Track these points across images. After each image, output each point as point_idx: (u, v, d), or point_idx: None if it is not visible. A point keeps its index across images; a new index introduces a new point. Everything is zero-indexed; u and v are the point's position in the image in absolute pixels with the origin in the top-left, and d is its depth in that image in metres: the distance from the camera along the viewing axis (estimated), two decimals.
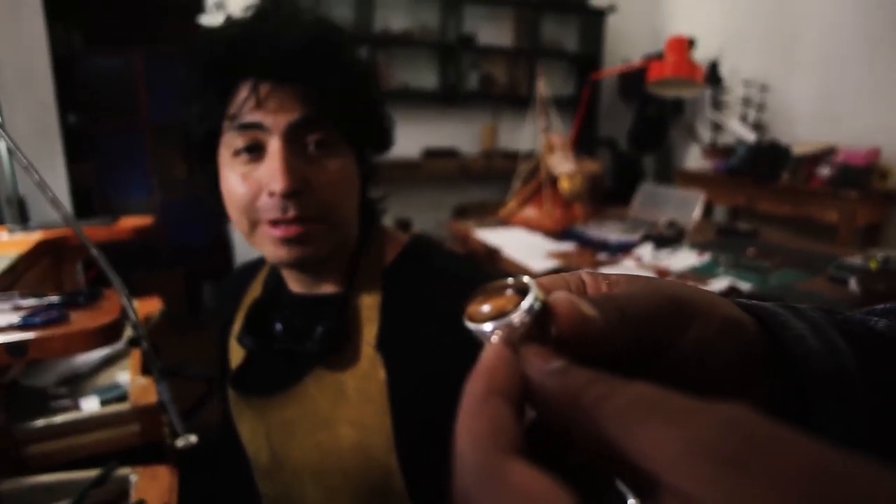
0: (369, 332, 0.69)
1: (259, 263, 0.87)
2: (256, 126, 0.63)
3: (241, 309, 0.83)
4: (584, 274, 0.25)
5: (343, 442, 0.67)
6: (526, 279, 0.21)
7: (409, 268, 0.74)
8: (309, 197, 0.64)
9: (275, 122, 0.63)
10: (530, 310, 0.20)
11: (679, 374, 0.22)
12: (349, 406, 0.67)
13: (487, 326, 0.20)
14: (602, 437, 0.16)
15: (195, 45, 0.66)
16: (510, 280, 0.22)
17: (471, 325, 0.21)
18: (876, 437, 0.24)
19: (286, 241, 0.64)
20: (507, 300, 0.21)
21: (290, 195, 0.62)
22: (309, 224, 0.65)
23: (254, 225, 0.66)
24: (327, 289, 0.74)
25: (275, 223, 0.64)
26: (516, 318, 0.20)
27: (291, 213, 0.63)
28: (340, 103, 0.65)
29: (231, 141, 0.65)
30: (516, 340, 0.20)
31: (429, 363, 0.66)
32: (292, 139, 0.63)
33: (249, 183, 0.64)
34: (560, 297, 0.20)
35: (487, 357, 0.19)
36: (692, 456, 0.14)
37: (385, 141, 0.76)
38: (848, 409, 0.24)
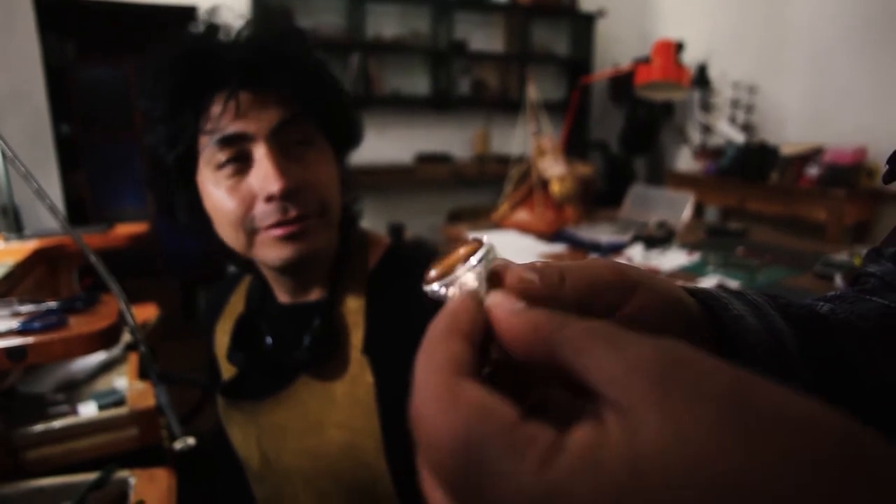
0: (356, 336, 0.70)
1: (236, 277, 0.86)
2: (239, 137, 0.62)
3: (220, 320, 0.83)
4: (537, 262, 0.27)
5: (332, 446, 0.68)
6: (475, 237, 0.23)
7: (392, 270, 0.74)
8: (306, 194, 0.64)
9: (258, 128, 0.62)
10: (479, 261, 0.22)
11: None
12: (338, 410, 0.68)
13: (436, 286, 0.22)
14: (557, 362, 0.18)
15: (157, 66, 0.64)
16: (461, 245, 0.24)
17: (427, 288, 0.23)
18: None
19: (289, 238, 0.64)
20: (456, 258, 0.22)
21: (287, 195, 0.62)
22: (309, 220, 0.65)
23: (251, 235, 0.65)
24: (314, 296, 0.74)
25: (276, 226, 0.64)
26: (461, 272, 0.22)
27: (293, 212, 0.63)
28: (315, 98, 0.66)
29: (212, 157, 0.63)
30: (482, 286, 0.22)
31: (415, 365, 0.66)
32: (276, 141, 0.63)
33: (239, 195, 0.63)
34: (500, 263, 0.22)
35: (452, 303, 0.21)
36: (630, 374, 0.16)
37: (357, 133, 0.76)
38: (786, 384, 0.26)
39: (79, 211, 3.76)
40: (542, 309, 0.19)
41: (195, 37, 0.66)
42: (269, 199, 0.62)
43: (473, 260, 0.22)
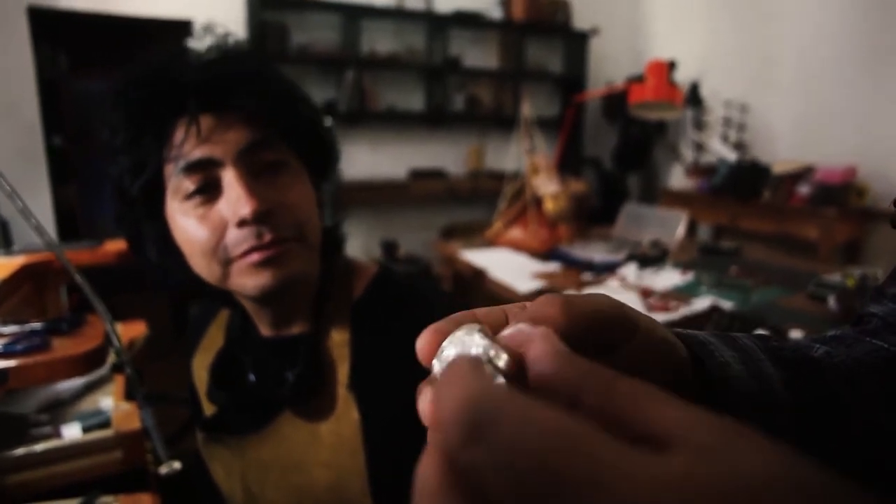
0: (342, 371, 0.67)
1: (213, 309, 0.82)
2: (206, 162, 0.59)
3: (197, 354, 0.80)
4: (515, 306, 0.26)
5: (317, 484, 0.66)
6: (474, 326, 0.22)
7: (378, 301, 0.71)
8: (280, 216, 0.61)
9: (224, 151, 0.59)
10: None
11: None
12: (323, 448, 0.66)
13: (437, 366, 0.22)
14: (612, 411, 0.16)
15: (117, 93, 0.63)
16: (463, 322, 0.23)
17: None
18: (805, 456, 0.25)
19: (266, 263, 0.61)
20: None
21: (261, 217, 0.59)
22: (286, 244, 0.62)
23: (226, 265, 0.61)
24: (297, 328, 0.71)
25: (251, 252, 0.60)
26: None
27: (268, 237, 0.60)
28: (283, 118, 0.64)
29: (179, 185, 0.60)
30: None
31: (402, 401, 0.63)
32: (245, 164, 0.60)
33: (210, 223, 0.60)
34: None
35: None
36: (704, 421, 0.15)
37: (332, 154, 0.73)
38: (772, 431, 0.25)
39: (70, 224, 3.72)
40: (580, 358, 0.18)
41: (152, 61, 0.64)
42: (242, 223, 0.59)
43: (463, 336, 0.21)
